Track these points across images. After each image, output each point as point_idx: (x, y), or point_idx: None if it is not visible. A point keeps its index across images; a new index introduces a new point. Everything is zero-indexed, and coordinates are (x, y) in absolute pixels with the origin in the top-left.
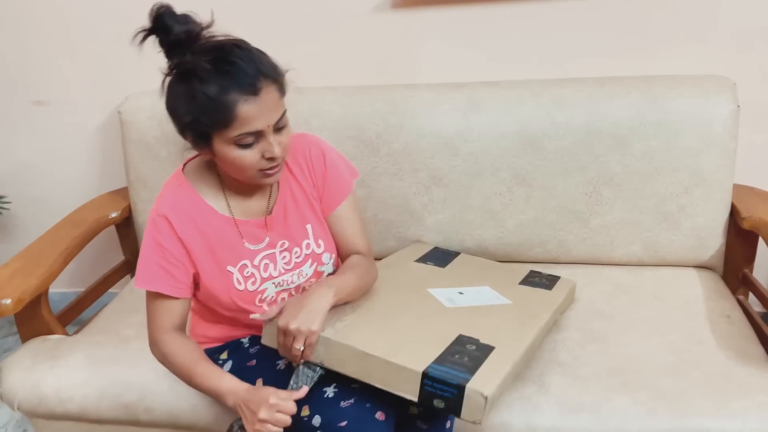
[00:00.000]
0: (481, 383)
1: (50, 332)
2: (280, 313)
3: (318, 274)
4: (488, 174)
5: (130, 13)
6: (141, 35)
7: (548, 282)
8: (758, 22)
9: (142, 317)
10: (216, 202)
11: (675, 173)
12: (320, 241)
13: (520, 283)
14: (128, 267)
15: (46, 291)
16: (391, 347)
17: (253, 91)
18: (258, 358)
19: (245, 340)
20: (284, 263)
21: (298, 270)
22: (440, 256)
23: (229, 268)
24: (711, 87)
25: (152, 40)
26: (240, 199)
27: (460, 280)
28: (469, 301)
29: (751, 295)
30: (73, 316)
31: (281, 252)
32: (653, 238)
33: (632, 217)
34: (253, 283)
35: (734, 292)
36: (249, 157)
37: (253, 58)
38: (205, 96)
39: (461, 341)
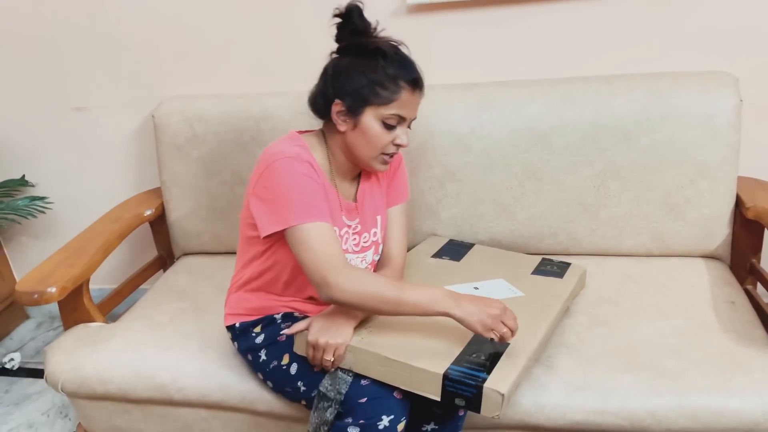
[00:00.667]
0: (497, 381)
1: (91, 320)
2: (308, 327)
3: (374, 264)
4: (500, 169)
5: (163, 26)
6: (334, 17)
7: (559, 270)
8: (759, 19)
9: (175, 306)
10: (323, 167)
11: (680, 166)
12: (382, 233)
13: (533, 273)
14: (161, 263)
15: (88, 281)
16: (413, 351)
17: (415, 86)
18: (287, 334)
19: (278, 316)
20: (353, 244)
21: (363, 254)
22: (455, 250)
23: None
24: (714, 82)
25: None
26: (340, 180)
27: (475, 274)
28: (485, 296)
29: (759, 286)
30: (108, 310)
31: (353, 234)
32: (660, 228)
33: (639, 209)
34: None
35: (742, 281)
36: (384, 137)
37: (417, 67)
38: (385, 73)
39: (478, 339)
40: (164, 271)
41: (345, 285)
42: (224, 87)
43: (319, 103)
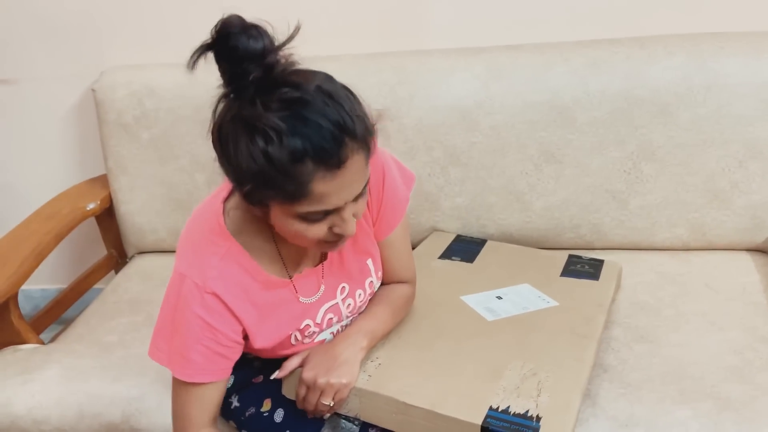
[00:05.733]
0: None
1: (21, 341)
2: (303, 363)
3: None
4: (513, 151)
5: None
6: (198, 54)
7: (592, 269)
8: None
9: (126, 320)
10: (266, 256)
11: (727, 145)
12: (379, 273)
13: (562, 275)
14: (112, 262)
15: (16, 294)
16: (437, 392)
17: (337, 163)
18: (265, 373)
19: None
20: (349, 311)
21: (358, 308)
22: (465, 248)
23: (290, 332)
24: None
25: None
26: (293, 250)
27: (494, 279)
28: (511, 309)
29: None
30: (55, 316)
31: (344, 300)
32: (701, 219)
33: (677, 196)
34: (311, 335)
35: None
36: (313, 231)
37: (342, 113)
38: (270, 162)
39: (517, 370)
40: (116, 272)
41: None
42: (178, 54)
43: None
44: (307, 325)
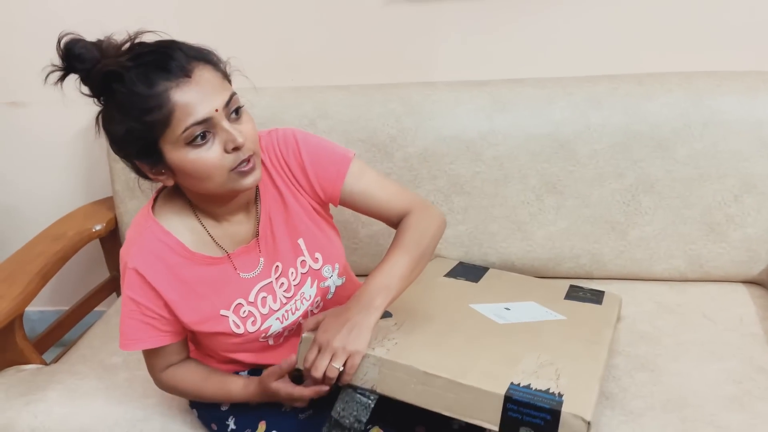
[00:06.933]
0: (577, 405)
1: (25, 361)
2: (317, 326)
3: (323, 291)
4: (515, 181)
5: (114, 8)
6: (58, 75)
7: (594, 297)
8: None
9: None
10: (194, 235)
11: (723, 179)
12: (317, 255)
13: (566, 298)
14: (114, 284)
15: (21, 315)
16: (459, 366)
17: (184, 72)
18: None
19: (244, 375)
20: (284, 291)
21: (299, 293)
22: (469, 271)
23: (223, 312)
24: (763, 84)
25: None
26: (221, 226)
27: (500, 296)
28: (521, 317)
29: None
30: (56, 338)
31: (278, 279)
32: (698, 250)
33: (675, 229)
34: (254, 323)
35: None
36: (209, 155)
37: (175, 44)
38: (133, 96)
39: (534, 359)
40: (118, 295)
41: (164, 390)
42: None
43: (137, 171)
44: (240, 304)
